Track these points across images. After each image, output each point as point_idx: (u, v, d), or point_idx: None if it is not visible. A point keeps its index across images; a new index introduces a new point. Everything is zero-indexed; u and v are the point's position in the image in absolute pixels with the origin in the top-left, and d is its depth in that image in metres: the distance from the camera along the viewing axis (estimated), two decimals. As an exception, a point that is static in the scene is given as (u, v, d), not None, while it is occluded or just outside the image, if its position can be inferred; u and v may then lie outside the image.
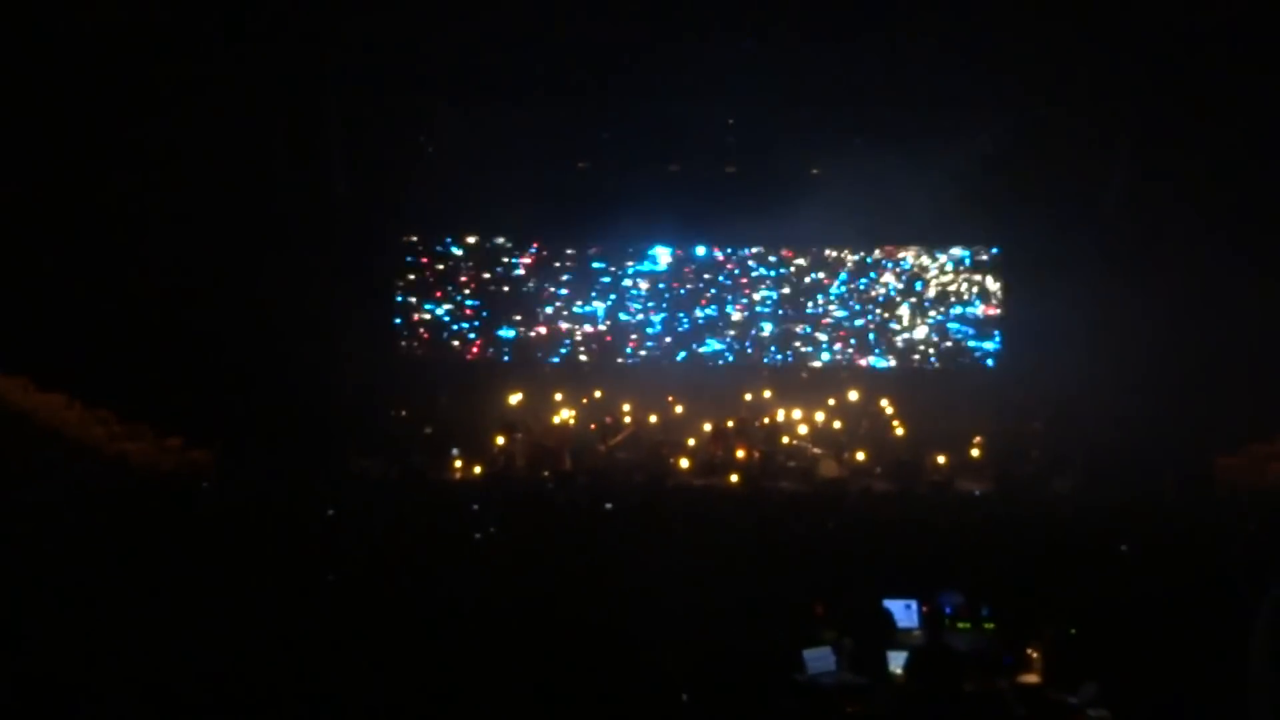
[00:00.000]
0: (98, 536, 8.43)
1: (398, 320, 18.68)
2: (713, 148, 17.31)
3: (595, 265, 19.03)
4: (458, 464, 15.03)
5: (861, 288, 19.18)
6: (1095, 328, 15.11)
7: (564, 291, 18.99)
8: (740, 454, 15.32)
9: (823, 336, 19.11)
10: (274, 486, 11.59)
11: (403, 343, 18.68)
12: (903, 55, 13.24)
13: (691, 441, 16.00)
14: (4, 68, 12.29)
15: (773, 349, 19.11)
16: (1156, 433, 13.42)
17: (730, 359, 19.09)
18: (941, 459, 15.02)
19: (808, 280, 19.21)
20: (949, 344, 19.07)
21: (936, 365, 18.96)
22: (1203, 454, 13.52)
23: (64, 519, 9.13)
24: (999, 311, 18.87)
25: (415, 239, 18.80)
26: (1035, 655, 6.41)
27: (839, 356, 19.05)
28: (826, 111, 15.62)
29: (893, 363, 19.00)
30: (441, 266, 18.91)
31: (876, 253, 19.11)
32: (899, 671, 6.30)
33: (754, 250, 19.18)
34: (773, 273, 19.25)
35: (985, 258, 19.01)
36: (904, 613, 7.01)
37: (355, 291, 16.81)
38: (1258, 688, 1.46)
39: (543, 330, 18.97)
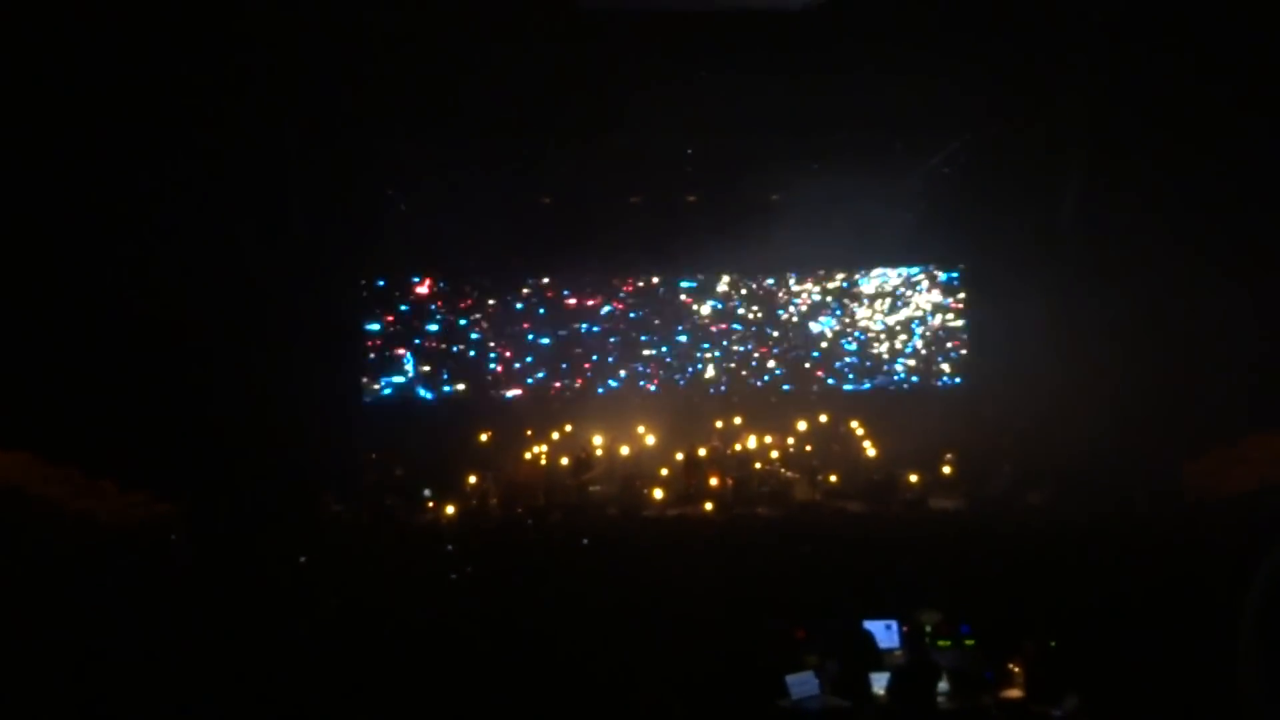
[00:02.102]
0: (67, 594, 8.29)
1: (366, 362, 18.60)
2: (673, 178, 17.40)
3: (563, 295, 19.08)
4: (431, 505, 14.91)
5: (825, 310, 19.31)
6: (1060, 340, 15.25)
7: (529, 324, 18.99)
8: (714, 482, 15.30)
9: (783, 361, 19.20)
10: (244, 536, 11.46)
11: (371, 385, 18.58)
12: (858, 80, 13.36)
13: (665, 472, 15.97)
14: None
15: (725, 379, 19.18)
16: (1125, 442, 13.53)
17: (709, 388, 19.15)
18: (914, 478, 15.07)
19: (770, 305, 19.32)
20: (916, 363, 19.21)
21: (905, 385, 19.09)
22: (1171, 461, 13.64)
23: (32, 580, 8.97)
24: (964, 328, 19.06)
25: (379, 280, 18.76)
26: (1017, 670, 6.43)
27: (804, 380, 19.14)
28: (784, 138, 15.73)
29: (861, 384, 19.12)
30: (406, 307, 18.87)
31: (839, 275, 19.27)
32: (882, 693, 6.30)
33: (716, 277, 19.28)
34: (736, 299, 19.34)
35: (948, 276, 19.21)
36: (885, 633, 7.02)
37: (320, 335, 16.70)
38: (1247, 658, 1.45)
39: (510, 365, 18.95)
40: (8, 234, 13.05)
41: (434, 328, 18.85)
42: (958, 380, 19.03)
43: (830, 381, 19.13)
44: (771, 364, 19.25)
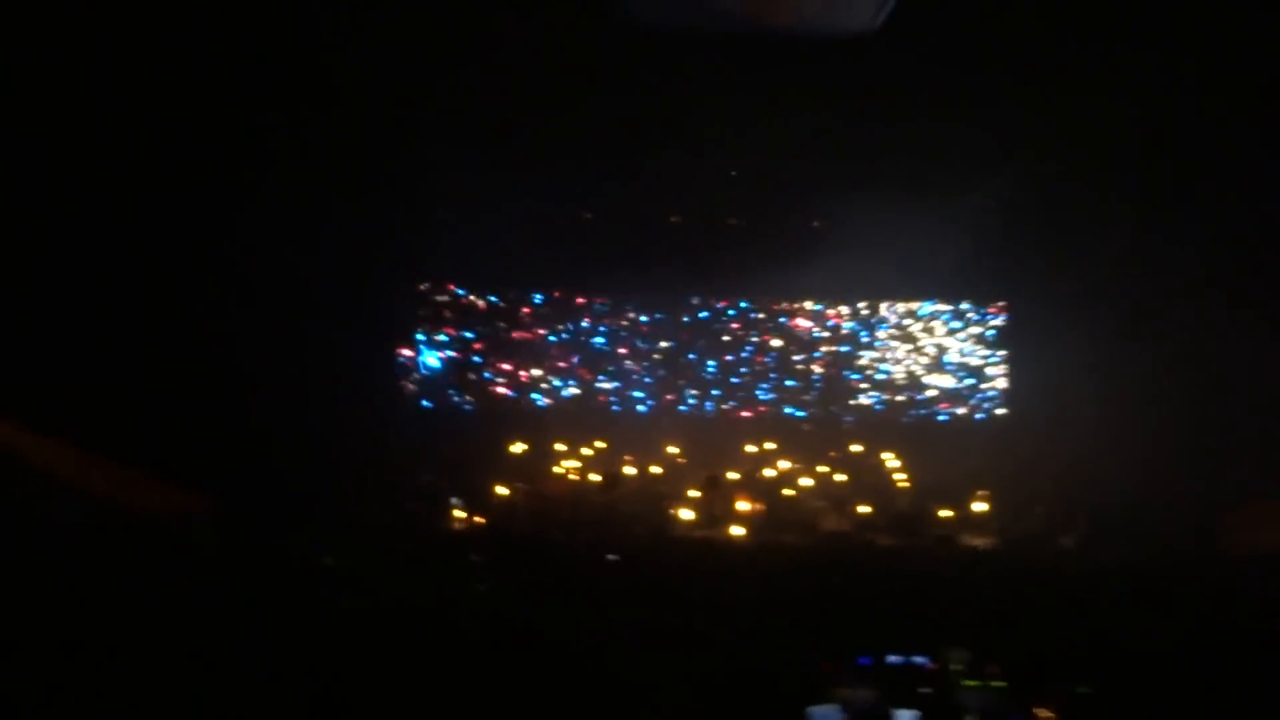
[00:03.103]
0: (92, 581, 8.33)
1: (400, 367, 18.66)
2: (715, 199, 17.39)
3: (598, 311, 19.08)
4: (458, 513, 14.91)
5: (864, 341, 19.19)
6: (1100, 382, 15.05)
7: (565, 339, 19.00)
8: (743, 506, 15.21)
9: (822, 390, 19.09)
10: (272, 534, 11.48)
11: (405, 390, 18.64)
12: (906, 109, 13.31)
13: (694, 493, 15.90)
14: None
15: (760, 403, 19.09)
16: (1162, 489, 13.31)
17: (737, 409, 19.06)
18: (946, 513, 14.90)
19: (807, 332, 19.23)
20: (953, 398, 19.04)
21: (941, 419, 18.92)
22: (1209, 511, 13.40)
23: (59, 564, 9.03)
24: (1003, 366, 18.87)
25: (420, 287, 18.84)
26: (1046, 715, 6.30)
27: (840, 409, 19.01)
28: (829, 164, 15.69)
29: (896, 417, 18.95)
30: (444, 314, 18.93)
31: (879, 305, 19.16)
32: (907, 730, 6.20)
33: (754, 302, 19.22)
34: (773, 325, 19.27)
35: (992, 311, 19.04)
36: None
37: (357, 338, 16.76)
38: None
39: (543, 380, 18.96)
40: (55, 226, 13.20)
41: (472, 335, 18.90)
42: (994, 417, 18.83)
43: (867, 409, 18.97)
44: (807, 396, 19.14)
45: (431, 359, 18.76)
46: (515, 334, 19.00)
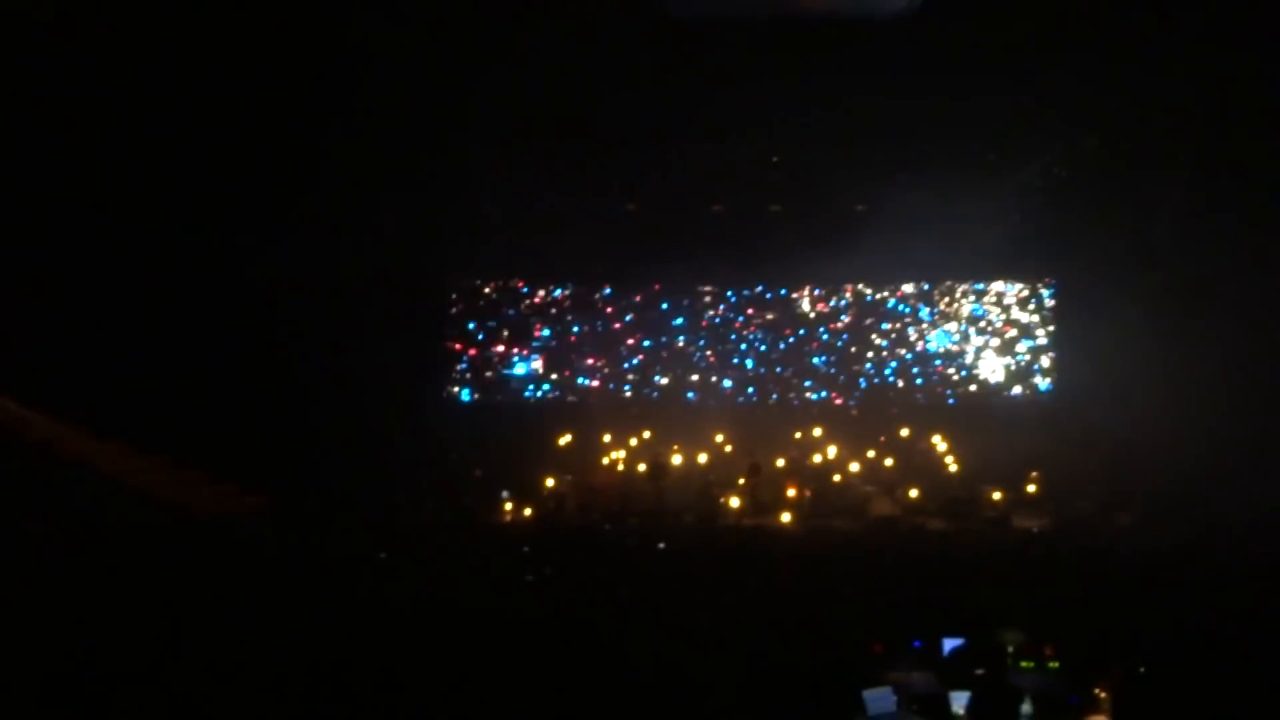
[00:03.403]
0: (156, 582, 8.51)
1: (446, 362, 18.83)
2: (758, 187, 17.34)
3: (641, 305, 19.13)
4: (508, 506, 15.03)
5: (913, 323, 19.06)
6: (1152, 360, 14.82)
7: (609, 331, 19.07)
8: (791, 493, 15.18)
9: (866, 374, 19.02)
10: (327, 530, 11.66)
11: (451, 385, 18.81)
12: (948, 89, 13.18)
13: (741, 481, 15.90)
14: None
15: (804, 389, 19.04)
16: (1218, 466, 13.10)
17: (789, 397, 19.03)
18: (997, 495, 14.77)
19: (854, 316, 19.13)
20: (1003, 379, 18.85)
21: (991, 400, 18.74)
22: (1267, 488, 13.17)
23: (122, 564, 9.23)
24: (1054, 345, 18.65)
25: (472, 282, 18.99)
26: (1103, 695, 6.25)
27: (887, 392, 18.91)
28: (871, 148, 15.58)
29: (946, 398, 18.81)
30: (488, 309, 19.08)
31: (927, 288, 19.01)
32: (961, 712, 6.17)
33: (800, 287, 19.15)
34: (821, 310, 19.20)
35: (1041, 291, 18.82)
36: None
37: (404, 335, 16.92)
38: None
39: (593, 371, 19.05)
40: (108, 226, 13.45)
41: (521, 329, 19.03)
42: (1045, 397, 18.63)
43: (917, 394, 18.86)
44: (850, 378, 19.04)
45: (478, 355, 18.92)
46: (560, 328, 19.07)
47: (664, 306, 19.11)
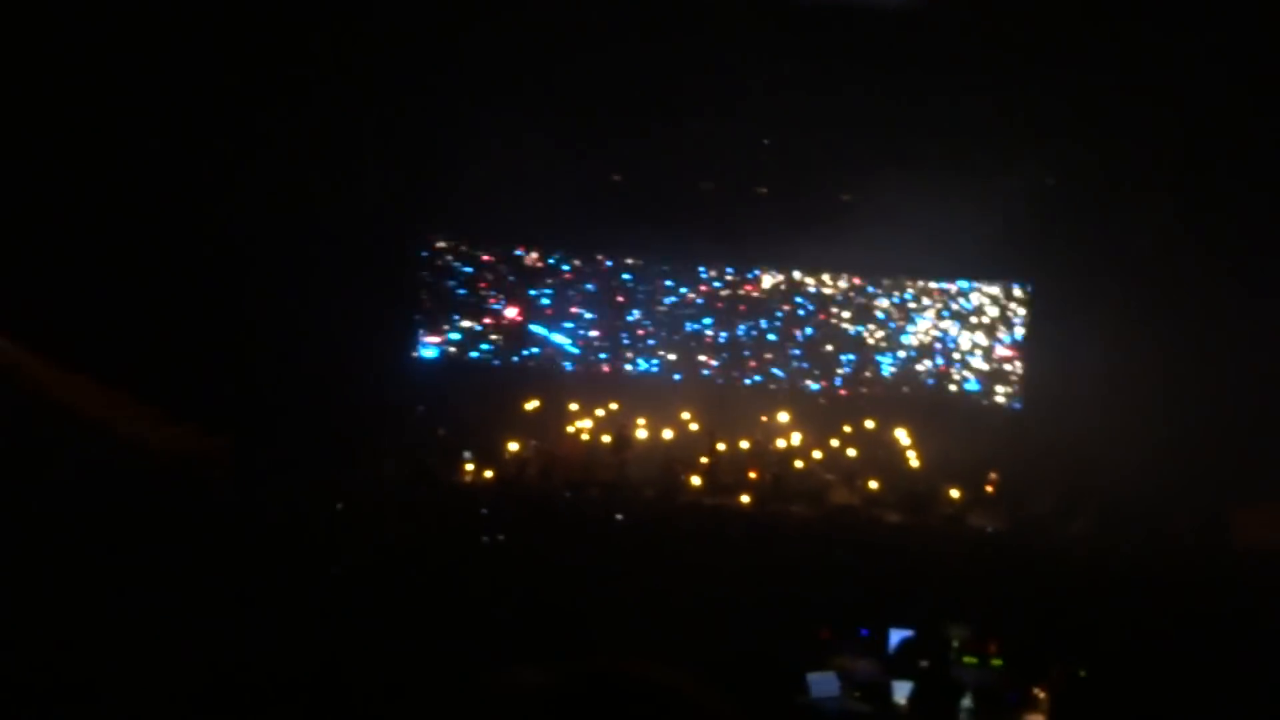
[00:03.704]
0: (109, 517, 8.46)
1: (417, 321, 18.73)
2: (746, 168, 17.31)
3: (624, 278, 19.05)
4: (469, 467, 15.02)
5: (883, 316, 19.12)
6: (1119, 370, 14.97)
7: (585, 302, 19.01)
8: (752, 475, 15.26)
9: (844, 360, 19.07)
10: (285, 477, 11.63)
11: (421, 344, 18.71)
12: (940, 86, 13.21)
13: (705, 460, 15.95)
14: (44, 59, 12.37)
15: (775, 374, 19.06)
16: (1175, 481, 13.28)
17: (757, 380, 19.04)
18: (955, 493, 14.92)
19: (830, 306, 19.17)
20: (970, 378, 18.97)
21: (956, 399, 18.86)
22: (1220, 505, 13.38)
23: (77, 497, 9.17)
24: (1025, 349, 18.77)
25: (443, 243, 18.85)
26: (1042, 695, 6.34)
27: (855, 383, 18.98)
28: (861, 137, 15.59)
29: (912, 394, 18.91)
30: (468, 271, 18.96)
31: (903, 282, 19.06)
32: (902, 702, 6.25)
33: (778, 273, 19.15)
34: (798, 297, 19.21)
35: (1012, 293, 18.92)
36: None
37: (376, 291, 16.80)
38: None
39: (563, 339, 18.99)
40: (82, 168, 13.28)
41: (495, 293, 18.94)
42: (1011, 400, 18.77)
43: (885, 386, 18.94)
44: (819, 366, 19.09)
45: (449, 316, 18.83)
46: (535, 295, 18.98)
47: (627, 278, 19.02)
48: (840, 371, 19.02)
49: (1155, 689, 6.13)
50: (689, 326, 19.06)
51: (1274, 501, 13.23)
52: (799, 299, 19.19)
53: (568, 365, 18.89)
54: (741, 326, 19.13)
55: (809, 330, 19.10)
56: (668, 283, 19.07)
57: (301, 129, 14.35)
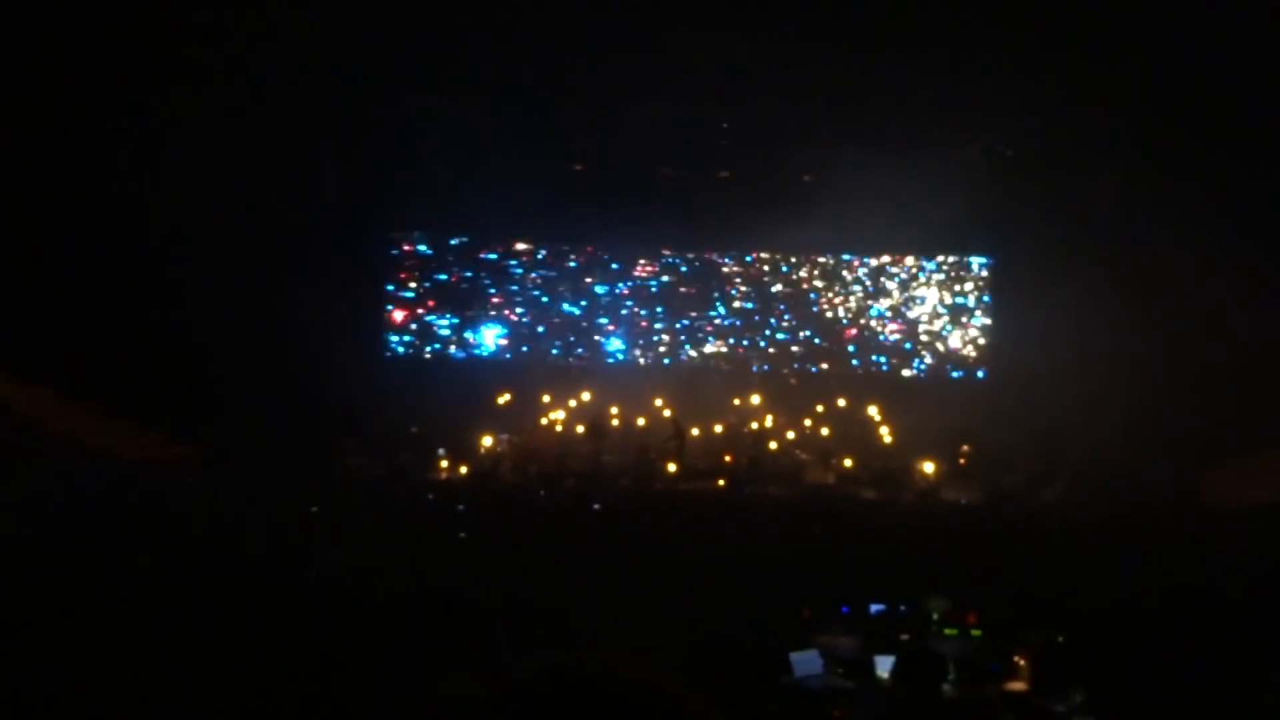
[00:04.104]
0: (83, 529, 8.36)
1: (385, 317, 18.64)
2: (706, 152, 17.31)
3: (583, 266, 19.05)
4: (444, 464, 14.97)
5: (853, 294, 19.21)
6: (1085, 339, 15.11)
7: (553, 292, 18.98)
8: (728, 459, 15.30)
9: (812, 342, 19.15)
10: (259, 482, 11.53)
11: (390, 340, 18.63)
12: (899, 62, 13.24)
13: (669, 444, 15.95)
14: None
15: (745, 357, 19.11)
16: (1144, 445, 13.43)
17: (721, 364, 19.09)
18: (929, 467, 15.02)
19: (795, 285, 19.24)
20: (938, 352, 19.10)
21: (925, 374, 18.99)
22: (1189, 467, 13.54)
23: (49, 511, 9.06)
24: (989, 321, 18.92)
25: (404, 238, 18.76)
26: (1023, 663, 6.40)
27: (824, 362, 19.08)
28: (821, 117, 15.61)
29: (881, 371, 19.03)
30: (430, 266, 18.88)
31: (869, 259, 19.16)
32: (885, 676, 6.28)
33: (744, 256, 19.20)
34: (765, 278, 19.27)
35: (977, 267, 19.06)
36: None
37: (343, 289, 16.68)
38: None
39: (532, 331, 18.97)
40: (42, 179, 13.08)
41: (462, 287, 18.87)
42: (979, 373, 18.92)
43: (852, 363, 19.05)
44: (796, 348, 19.17)
45: (413, 312, 18.75)
46: (499, 287, 18.92)
47: (594, 268, 19.03)
48: (803, 347, 19.12)
49: (1133, 650, 6.20)
50: (657, 309, 19.11)
51: (1241, 459, 13.44)
52: (763, 280, 19.26)
53: (553, 352, 18.89)
54: (716, 308, 19.18)
55: (780, 308, 19.19)
56: (615, 266, 19.10)
57: (259, 128, 14.21)
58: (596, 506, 11.09)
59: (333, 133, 15.83)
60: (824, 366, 19.05)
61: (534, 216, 17.48)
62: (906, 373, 19.00)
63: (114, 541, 7.96)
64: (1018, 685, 6.29)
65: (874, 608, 7.11)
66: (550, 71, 14.13)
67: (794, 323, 19.21)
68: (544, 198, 16.94)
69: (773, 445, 16.48)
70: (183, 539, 8.44)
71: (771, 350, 19.19)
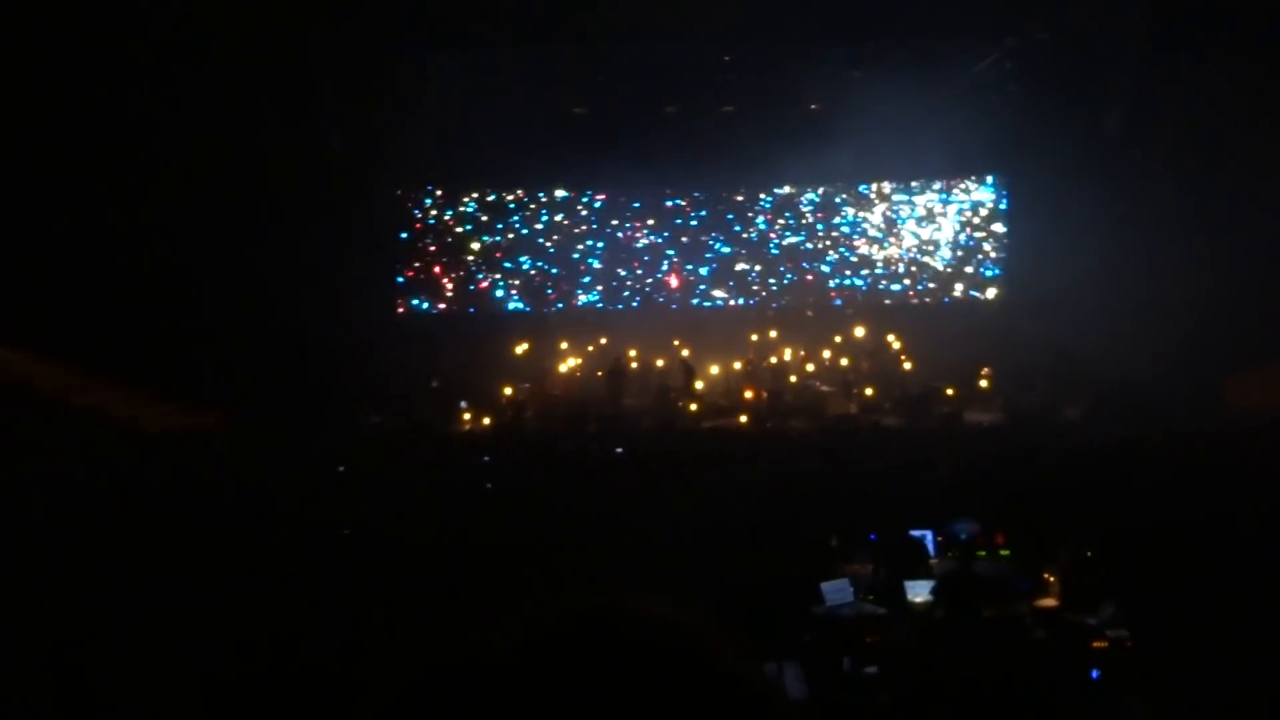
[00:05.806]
0: (111, 500, 8.45)
1: (399, 273, 18.64)
2: (708, 87, 17.08)
3: (596, 208, 18.95)
4: (466, 416, 15.03)
5: (863, 222, 19.07)
6: (1101, 256, 14.95)
7: (563, 238, 18.91)
8: (748, 395, 15.31)
9: (825, 271, 19.06)
10: (283, 444, 11.62)
11: (405, 296, 18.65)
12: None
13: (699, 385, 15.98)
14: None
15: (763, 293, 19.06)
16: (1165, 359, 13.35)
17: (740, 302, 19.03)
18: (950, 392, 15.00)
19: (808, 217, 19.10)
20: (955, 276, 18.98)
21: (943, 298, 18.89)
22: (1211, 379, 13.47)
23: (75, 485, 9.15)
24: (1004, 242, 18.76)
25: (411, 192, 18.68)
26: (1052, 580, 6.43)
27: (840, 293, 18.99)
28: (823, 45, 15.37)
29: (899, 298, 18.94)
30: (440, 218, 18.82)
31: (879, 186, 18.98)
32: (917, 601, 6.33)
33: (755, 190, 19.05)
34: (771, 209, 19.14)
35: (990, 188, 18.87)
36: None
37: (354, 246, 16.63)
38: None
39: (544, 278, 18.94)
40: (51, 150, 13.04)
41: (475, 240, 18.83)
42: (997, 294, 18.81)
43: (870, 294, 18.95)
44: (810, 278, 19.07)
45: (427, 265, 18.72)
46: (509, 235, 18.86)
47: (599, 207, 18.94)
48: (826, 280, 19.04)
49: (1161, 561, 6.22)
50: (670, 250, 19.04)
51: (1264, 366, 13.37)
52: (775, 214, 19.13)
53: (557, 307, 18.89)
54: (720, 247, 19.09)
55: (794, 239, 19.08)
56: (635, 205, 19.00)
57: (268, 88, 14.11)
58: (619, 450, 11.14)
59: (341, 89, 15.69)
60: (840, 301, 18.94)
61: (536, 161, 17.30)
62: (926, 298, 18.90)
63: (145, 512, 8.05)
64: (1049, 602, 6.33)
65: (902, 534, 7.15)
66: (546, 13, 13.95)
67: (811, 251, 19.06)
68: (546, 143, 16.76)
69: (792, 379, 16.47)
70: (212, 503, 8.53)
71: (787, 283, 19.08)
